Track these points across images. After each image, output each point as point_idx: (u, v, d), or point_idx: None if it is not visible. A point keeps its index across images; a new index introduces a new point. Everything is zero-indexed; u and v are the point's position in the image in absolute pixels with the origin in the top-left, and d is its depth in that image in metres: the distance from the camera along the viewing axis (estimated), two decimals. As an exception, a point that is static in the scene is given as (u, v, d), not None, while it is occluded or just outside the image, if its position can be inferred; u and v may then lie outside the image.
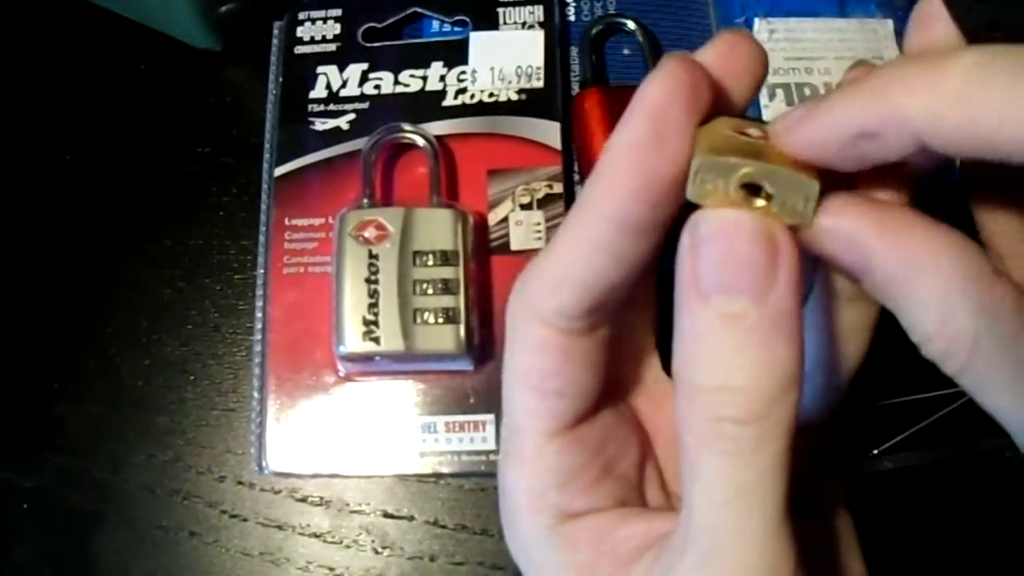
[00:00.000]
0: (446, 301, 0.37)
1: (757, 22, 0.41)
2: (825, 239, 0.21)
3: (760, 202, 0.20)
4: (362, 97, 0.43)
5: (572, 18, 0.45)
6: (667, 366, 0.27)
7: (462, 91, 0.42)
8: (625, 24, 0.44)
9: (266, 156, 0.43)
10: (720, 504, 0.19)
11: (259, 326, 0.40)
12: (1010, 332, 0.20)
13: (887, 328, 0.40)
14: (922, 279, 0.20)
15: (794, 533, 0.19)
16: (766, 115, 0.39)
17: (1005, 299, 0.20)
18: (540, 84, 0.42)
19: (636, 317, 0.26)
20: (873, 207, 0.21)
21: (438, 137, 0.41)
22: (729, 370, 0.19)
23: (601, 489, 0.24)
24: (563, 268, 0.22)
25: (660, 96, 0.20)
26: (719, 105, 0.21)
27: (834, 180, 0.21)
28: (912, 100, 0.19)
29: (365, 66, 0.43)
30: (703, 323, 0.19)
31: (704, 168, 0.19)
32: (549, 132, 0.41)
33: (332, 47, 0.44)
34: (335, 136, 0.42)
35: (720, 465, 0.19)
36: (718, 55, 0.22)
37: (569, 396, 0.23)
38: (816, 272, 0.25)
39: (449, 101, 0.42)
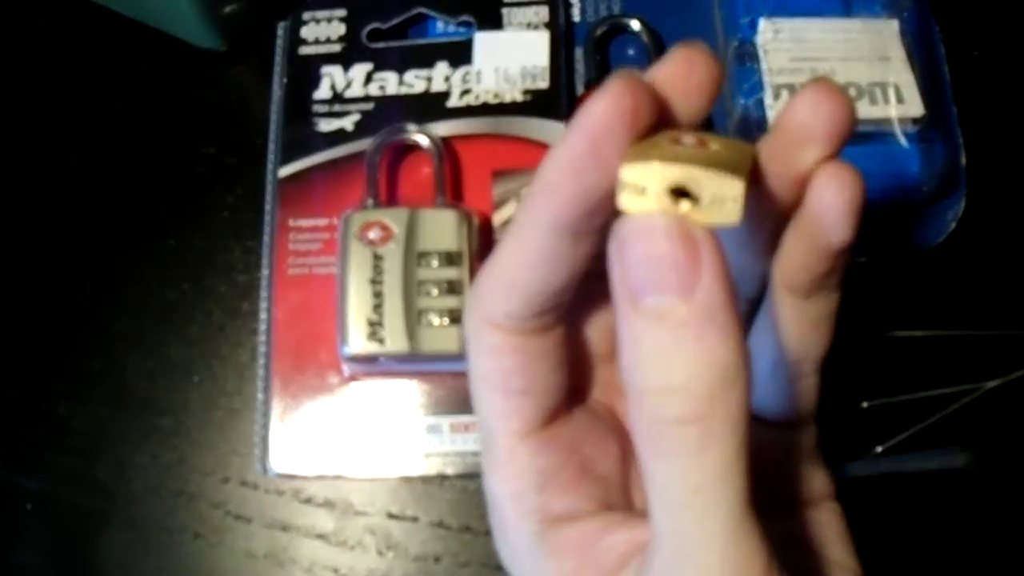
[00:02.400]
0: (450, 302, 0.37)
1: (762, 22, 0.40)
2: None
3: (686, 205, 0.20)
4: (366, 98, 0.43)
5: (577, 18, 0.45)
6: None
7: (467, 92, 0.42)
8: (630, 24, 0.44)
9: (270, 157, 0.43)
10: (676, 508, 0.19)
11: (263, 327, 0.40)
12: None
13: (886, 328, 0.40)
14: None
15: (762, 530, 0.19)
16: (770, 115, 0.39)
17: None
18: (545, 85, 0.42)
19: (599, 316, 0.26)
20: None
21: (443, 138, 0.41)
22: (666, 370, 0.19)
23: (582, 490, 0.24)
24: (508, 274, 0.22)
25: (601, 116, 0.20)
26: (668, 119, 0.22)
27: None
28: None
29: (369, 67, 0.43)
30: (637, 326, 0.19)
31: (629, 177, 0.20)
32: (554, 133, 0.41)
33: (336, 48, 0.44)
34: (339, 137, 0.42)
35: (669, 468, 0.19)
36: (673, 72, 0.22)
37: (534, 394, 0.24)
38: (768, 270, 0.25)
39: (454, 102, 0.42)
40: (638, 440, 0.20)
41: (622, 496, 0.25)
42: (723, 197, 0.20)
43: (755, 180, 0.21)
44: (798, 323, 0.25)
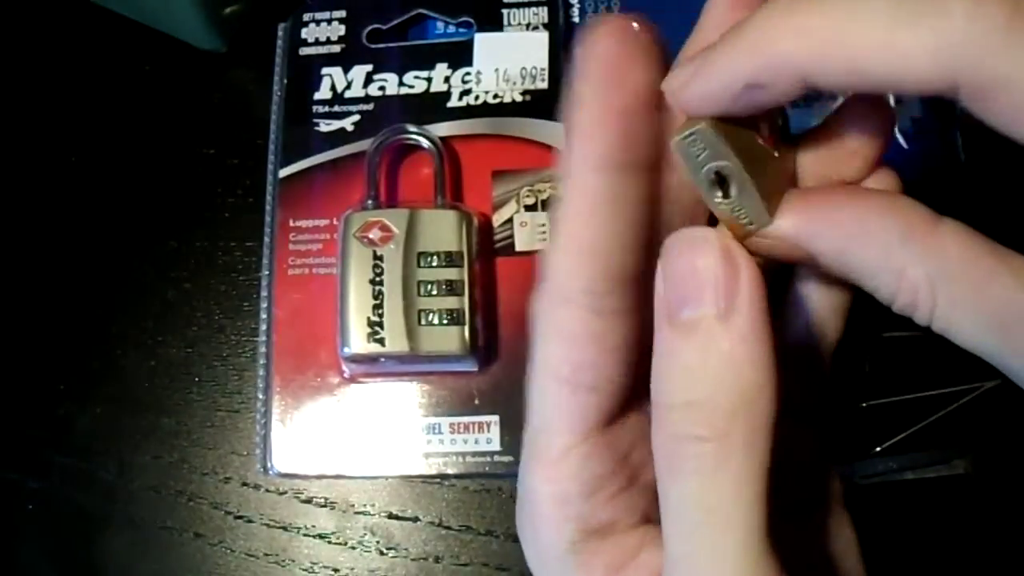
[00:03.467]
0: (451, 302, 0.37)
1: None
2: (773, 249, 0.22)
3: (719, 196, 0.20)
4: (367, 98, 0.43)
5: (577, 19, 0.45)
6: None
7: (467, 92, 0.42)
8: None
9: (271, 157, 0.43)
10: (690, 531, 0.19)
11: (264, 327, 0.40)
12: (963, 271, 0.20)
13: (886, 328, 0.40)
14: (862, 248, 0.21)
15: (779, 559, 0.19)
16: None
17: (947, 241, 0.20)
18: (544, 85, 0.42)
19: None
20: (800, 203, 0.22)
21: (443, 138, 0.41)
22: (690, 384, 0.19)
23: (627, 500, 0.23)
24: (574, 239, 0.22)
25: (599, 40, 0.21)
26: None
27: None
28: (791, 46, 0.19)
29: (370, 67, 0.43)
30: (669, 339, 0.19)
31: (702, 136, 0.20)
32: (554, 133, 0.41)
33: (337, 48, 0.44)
34: (340, 137, 0.42)
35: (683, 488, 0.19)
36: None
37: (601, 392, 0.22)
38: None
39: (454, 102, 0.42)
40: (656, 456, 0.19)
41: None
42: (750, 216, 0.21)
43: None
44: (819, 308, 0.25)
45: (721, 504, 0.18)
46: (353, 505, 0.40)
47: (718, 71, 0.20)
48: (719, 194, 0.20)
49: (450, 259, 0.38)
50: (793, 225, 0.21)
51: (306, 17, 0.44)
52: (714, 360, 0.19)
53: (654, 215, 0.22)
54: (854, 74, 0.19)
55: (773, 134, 0.22)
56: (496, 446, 0.38)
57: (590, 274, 0.22)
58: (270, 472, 0.39)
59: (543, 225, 0.40)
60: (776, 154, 0.22)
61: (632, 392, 0.24)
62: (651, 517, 0.23)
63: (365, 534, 0.40)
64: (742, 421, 0.18)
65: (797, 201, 0.22)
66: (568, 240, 0.22)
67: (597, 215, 0.21)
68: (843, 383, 0.38)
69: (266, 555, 0.40)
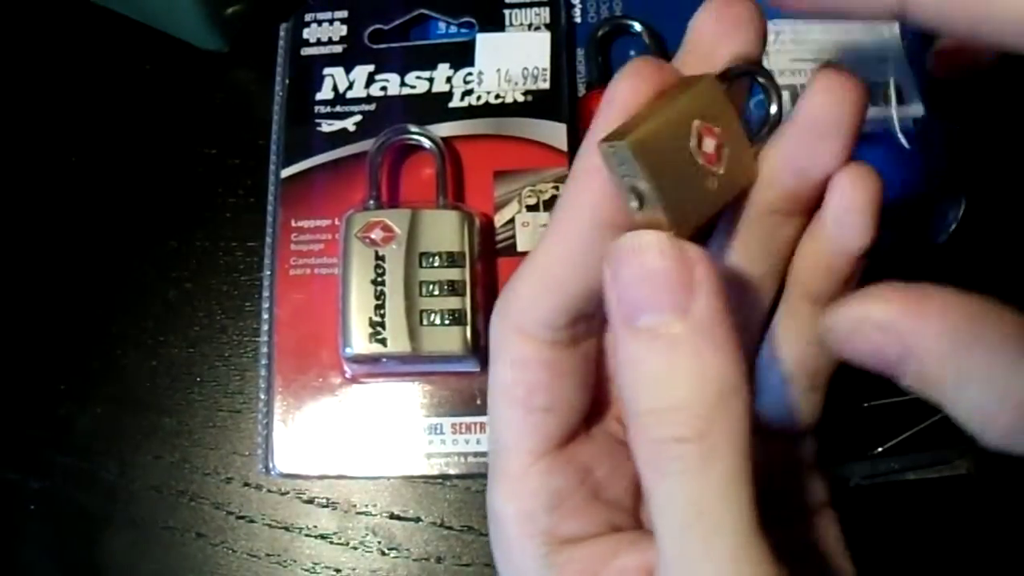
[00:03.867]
0: (452, 302, 0.37)
1: (763, 23, 0.41)
2: (854, 336, 0.19)
3: (635, 205, 0.20)
4: (368, 99, 0.43)
5: (578, 20, 0.45)
6: None
7: (468, 93, 0.42)
8: (632, 26, 0.44)
9: (273, 158, 0.43)
10: (681, 529, 0.19)
11: (265, 327, 0.40)
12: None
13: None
14: (971, 356, 0.18)
15: (771, 547, 0.19)
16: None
17: None
18: (546, 86, 0.42)
19: None
20: (900, 291, 0.19)
21: (444, 139, 0.41)
22: (663, 389, 0.19)
23: (592, 513, 0.23)
24: (545, 275, 0.22)
25: (630, 92, 0.20)
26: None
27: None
28: None
29: (371, 68, 0.43)
30: (632, 347, 0.19)
31: (621, 152, 0.20)
32: (555, 134, 0.41)
33: (338, 49, 0.44)
34: (342, 138, 0.42)
35: (672, 489, 0.19)
36: (709, 16, 0.22)
37: (556, 412, 0.23)
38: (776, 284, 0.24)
39: (455, 103, 0.42)
40: (639, 462, 0.19)
41: (631, 518, 0.24)
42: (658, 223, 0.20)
43: (707, 225, 0.22)
44: (812, 335, 0.24)
45: (710, 502, 0.19)
46: (355, 505, 0.40)
47: None
48: (635, 204, 0.20)
49: (452, 259, 0.38)
50: (885, 313, 0.19)
51: (308, 17, 0.44)
52: (683, 363, 0.19)
53: None
54: (970, 15, 0.17)
55: (720, 144, 0.21)
56: (498, 446, 0.38)
57: (550, 310, 0.22)
58: (272, 472, 0.39)
59: (545, 225, 0.40)
60: (718, 170, 0.21)
61: (591, 408, 0.24)
62: (619, 526, 0.23)
63: (367, 534, 0.40)
64: (721, 419, 0.19)
65: (884, 293, 0.19)
66: (536, 273, 0.22)
67: (575, 261, 0.21)
68: (843, 383, 0.38)
69: (268, 555, 0.40)
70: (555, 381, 0.23)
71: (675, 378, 0.19)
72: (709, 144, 0.21)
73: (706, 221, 0.21)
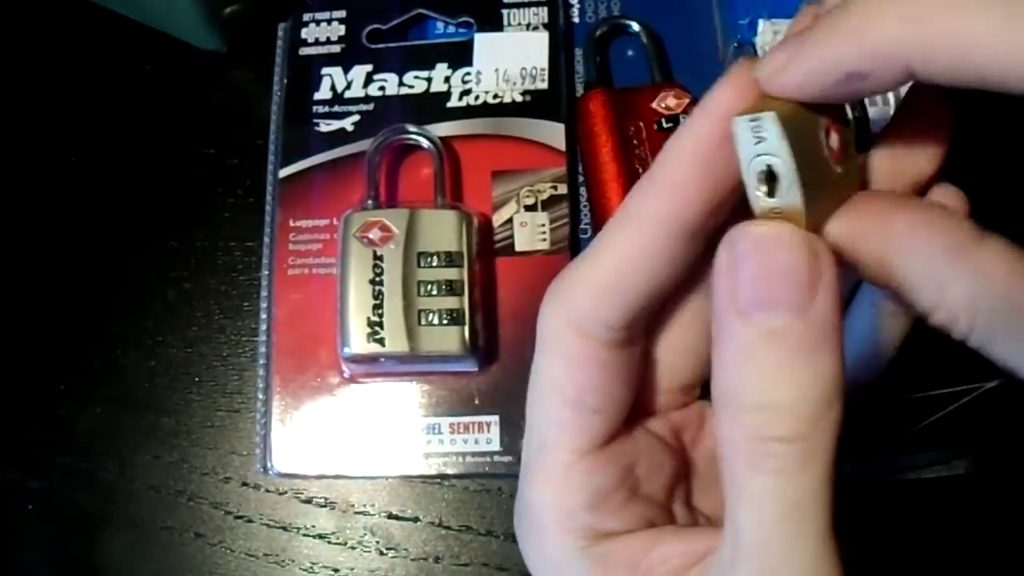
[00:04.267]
0: (451, 302, 0.37)
1: (761, 23, 0.40)
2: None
3: (762, 192, 0.19)
4: (367, 98, 0.43)
5: (576, 20, 0.45)
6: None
7: (466, 92, 0.42)
8: (629, 26, 0.44)
9: (271, 157, 0.43)
10: (770, 524, 0.19)
11: (264, 327, 0.40)
12: (1007, 292, 0.19)
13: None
14: (906, 261, 0.20)
15: (840, 550, 0.19)
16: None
17: (993, 262, 0.20)
18: (544, 85, 0.42)
19: (672, 330, 0.25)
20: (850, 209, 0.21)
21: (442, 138, 0.41)
22: (772, 388, 0.18)
23: (631, 511, 0.23)
24: (611, 276, 0.21)
25: (730, 99, 0.20)
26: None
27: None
28: (899, 33, 0.18)
29: (370, 67, 0.43)
30: (744, 341, 0.19)
31: (766, 123, 0.19)
32: (553, 133, 0.41)
33: (337, 48, 0.44)
34: (340, 137, 0.42)
35: (768, 485, 0.19)
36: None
37: (605, 413, 0.22)
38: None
39: (454, 102, 0.42)
40: (729, 453, 0.19)
41: (665, 512, 0.24)
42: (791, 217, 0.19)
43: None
44: (878, 334, 0.25)
45: (800, 503, 0.19)
46: (353, 505, 0.40)
47: (819, 57, 0.19)
48: (764, 189, 0.19)
49: (450, 259, 0.38)
50: (841, 230, 0.21)
51: (306, 17, 0.44)
52: (796, 363, 0.18)
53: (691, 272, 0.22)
54: (961, 68, 0.17)
55: (844, 142, 0.21)
56: (496, 446, 0.38)
57: (613, 311, 0.22)
58: (270, 472, 0.39)
59: (543, 225, 0.40)
60: (839, 169, 0.21)
61: (634, 409, 0.24)
62: (655, 521, 0.23)
63: (365, 534, 0.40)
64: (823, 422, 0.18)
65: (848, 207, 0.21)
66: (599, 274, 0.22)
67: (645, 268, 0.21)
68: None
69: (266, 555, 0.40)
70: (607, 382, 0.22)
71: (787, 377, 0.18)
72: (835, 140, 0.20)
73: (829, 217, 0.21)
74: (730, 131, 0.19)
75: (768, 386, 0.19)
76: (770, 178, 0.19)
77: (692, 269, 0.22)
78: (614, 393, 0.23)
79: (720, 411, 0.19)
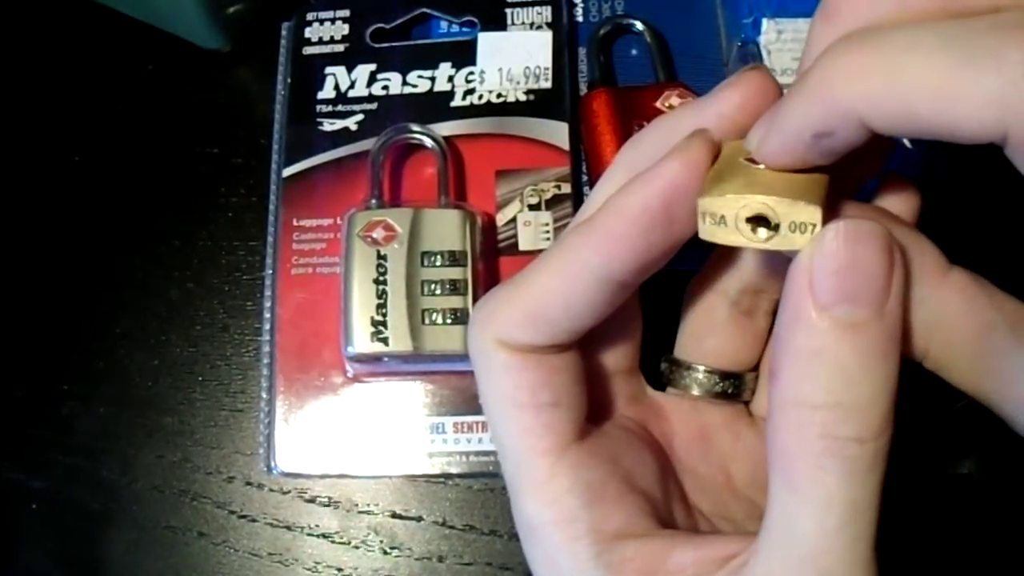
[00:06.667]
0: (454, 302, 0.37)
1: (765, 23, 0.41)
2: None
3: (764, 233, 0.20)
4: (370, 98, 0.43)
5: (580, 19, 0.45)
6: (650, 381, 0.28)
7: (470, 92, 0.42)
8: (633, 25, 0.44)
9: (274, 157, 0.43)
10: (834, 528, 0.18)
11: (267, 327, 0.40)
12: (961, 323, 0.20)
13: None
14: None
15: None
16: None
17: (952, 292, 0.20)
18: (548, 85, 0.42)
19: (615, 332, 0.25)
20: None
21: (446, 138, 0.41)
22: (851, 385, 0.18)
23: (631, 503, 0.23)
24: (536, 306, 0.22)
25: (677, 175, 0.20)
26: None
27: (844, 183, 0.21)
28: (848, 90, 0.18)
29: (373, 67, 0.43)
30: (820, 336, 0.18)
31: (707, 207, 0.20)
32: (557, 133, 0.41)
33: (340, 48, 0.44)
34: (343, 137, 0.42)
35: (834, 488, 0.18)
36: (745, 97, 0.22)
37: (565, 406, 0.23)
38: None
39: (457, 102, 0.42)
40: (788, 454, 0.19)
41: (664, 511, 0.24)
42: (803, 224, 0.19)
43: (829, 203, 0.20)
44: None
45: (864, 505, 0.19)
46: (357, 504, 0.40)
47: (788, 123, 0.19)
48: (762, 232, 0.20)
49: (454, 258, 0.38)
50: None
51: (310, 16, 0.44)
52: (874, 362, 0.18)
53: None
54: (910, 119, 0.18)
55: None
56: (500, 445, 0.38)
57: (536, 335, 0.22)
58: (274, 471, 0.39)
59: (546, 224, 0.40)
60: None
61: (594, 404, 0.24)
62: (660, 519, 0.23)
63: (369, 534, 0.40)
64: (891, 424, 0.19)
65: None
66: (527, 302, 0.22)
67: (572, 307, 0.21)
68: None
69: (270, 554, 0.40)
70: (553, 377, 0.23)
71: (866, 375, 0.18)
72: None
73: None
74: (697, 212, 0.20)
75: (845, 383, 0.18)
76: (758, 220, 0.20)
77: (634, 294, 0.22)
78: (565, 384, 0.23)
79: (780, 411, 0.19)
